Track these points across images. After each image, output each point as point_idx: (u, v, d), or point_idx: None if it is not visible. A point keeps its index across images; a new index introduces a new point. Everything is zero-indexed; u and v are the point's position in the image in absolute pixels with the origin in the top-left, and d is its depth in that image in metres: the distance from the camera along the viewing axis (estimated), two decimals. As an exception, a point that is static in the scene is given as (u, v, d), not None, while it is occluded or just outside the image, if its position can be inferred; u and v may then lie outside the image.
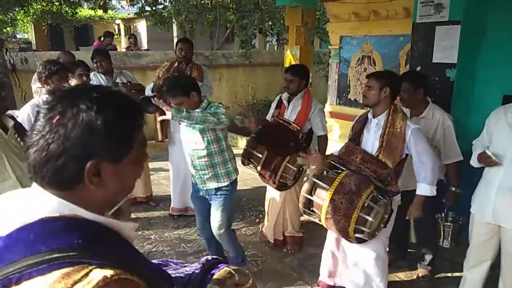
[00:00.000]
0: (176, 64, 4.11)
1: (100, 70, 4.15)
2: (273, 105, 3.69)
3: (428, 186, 2.54)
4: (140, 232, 4.01)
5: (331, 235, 2.86)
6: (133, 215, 4.37)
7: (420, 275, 3.25)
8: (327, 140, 3.59)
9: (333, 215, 2.37)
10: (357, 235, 2.42)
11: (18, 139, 2.17)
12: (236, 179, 2.95)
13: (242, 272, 1.16)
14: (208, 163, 2.81)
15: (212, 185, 2.87)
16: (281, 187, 3.44)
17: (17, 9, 13.18)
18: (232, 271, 1.12)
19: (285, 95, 3.56)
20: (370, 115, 2.67)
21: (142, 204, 4.63)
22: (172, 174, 4.35)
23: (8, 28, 15.80)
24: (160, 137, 4.24)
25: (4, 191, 1.99)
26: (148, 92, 4.06)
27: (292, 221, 3.69)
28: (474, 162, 2.60)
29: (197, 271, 1.11)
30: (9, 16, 13.86)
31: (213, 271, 1.11)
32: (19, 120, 2.75)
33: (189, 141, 2.84)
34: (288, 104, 3.49)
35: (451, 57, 3.48)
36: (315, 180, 2.51)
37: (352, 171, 2.49)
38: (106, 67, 4.18)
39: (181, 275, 1.10)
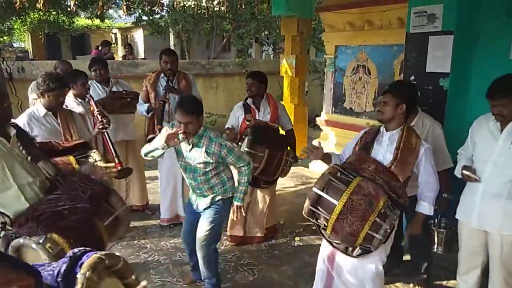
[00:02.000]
0: (162, 75, 4.07)
1: (98, 78, 4.17)
2: (236, 113, 3.89)
3: (429, 206, 2.57)
4: (136, 241, 3.99)
5: (325, 249, 2.76)
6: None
7: (416, 286, 3.26)
8: (294, 133, 4.03)
9: (348, 215, 2.28)
10: (363, 243, 2.36)
11: (21, 147, 2.16)
12: (230, 197, 2.97)
13: (112, 255, 1.23)
14: (205, 183, 2.88)
15: (206, 200, 2.92)
16: (274, 181, 3.81)
17: (14, 18, 13.23)
18: (102, 257, 1.16)
19: (250, 101, 3.84)
20: (382, 129, 2.68)
21: (138, 213, 4.62)
22: (161, 184, 4.34)
23: (5, 37, 15.82)
24: None
25: (7, 200, 2.00)
26: (142, 111, 4.06)
27: (270, 216, 4.03)
28: (458, 173, 2.65)
29: (65, 264, 1.13)
30: (6, 25, 13.89)
31: (81, 261, 1.14)
32: None
33: (191, 157, 2.84)
34: (257, 108, 3.80)
35: (444, 66, 3.52)
36: (331, 178, 2.42)
37: (366, 178, 2.45)
38: (104, 76, 4.21)
39: (50, 272, 1.12)
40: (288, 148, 3.74)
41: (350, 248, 2.51)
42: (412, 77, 3.75)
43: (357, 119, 5.73)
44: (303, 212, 2.53)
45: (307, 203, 2.45)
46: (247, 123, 3.65)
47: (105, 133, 3.45)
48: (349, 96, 5.89)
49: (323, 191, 2.40)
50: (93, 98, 3.59)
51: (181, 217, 4.33)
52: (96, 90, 4.09)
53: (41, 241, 1.84)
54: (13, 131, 2.15)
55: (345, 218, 2.30)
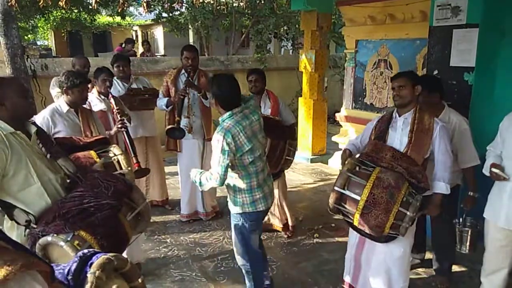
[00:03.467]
0: (182, 72, 4.12)
1: (120, 75, 4.21)
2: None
3: (445, 185, 2.58)
4: (156, 236, 4.04)
5: (353, 237, 2.83)
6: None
7: (439, 285, 3.19)
8: (295, 127, 4.09)
9: (372, 209, 2.33)
10: (391, 231, 2.40)
11: (40, 145, 2.17)
12: (246, 213, 2.69)
13: (121, 257, 1.25)
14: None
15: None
16: (279, 172, 3.82)
17: (38, 17, 13.52)
18: (110, 258, 1.20)
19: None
20: (395, 114, 2.70)
21: (158, 208, 4.67)
22: (181, 179, 4.38)
23: (29, 35, 16.22)
24: (172, 146, 4.23)
25: (30, 198, 2.03)
26: (161, 105, 4.08)
27: (288, 208, 4.05)
28: (486, 171, 2.58)
29: (75, 264, 1.17)
30: (30, 24, 14.22)
31: (91, 261, 1.18)
32: (37, 122, 2.82)
33: None
34: (258, 104, 3.84)
35: (469, 60, 3.43)
36: (350, 175, 2.45)
37: (384, 168, 2.48)
38: (127, 72, 4.25)
39: (60, 271, 1.16)
40: (290, 140, 3.76)
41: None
42: (436, 72, 3.67)
43: (378, 114, 5.60)
44: (329, 209, 2.57)
45: (331, 201, 2.51)
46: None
47: (124, 133, 3.45)
48: (370, 91, 5.79)
49: (344, 188, 2.44)
50: (113, 96, 3.63)
51: (200, 213, 4.36)
52: (117, 87, 4.14)
53: (69, 238, 1.86)
54: (33, 129, 2.16)
55: (369, 212, 2.34)
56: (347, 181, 2.44)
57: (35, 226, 1.97)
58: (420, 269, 3.39)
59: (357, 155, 2.73)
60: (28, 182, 2.01)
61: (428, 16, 3.77)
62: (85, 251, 1.23)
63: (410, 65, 5.18)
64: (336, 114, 6.42)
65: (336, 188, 2.46)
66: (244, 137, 2.50)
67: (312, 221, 4.33)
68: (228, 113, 2.54)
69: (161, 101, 4.12)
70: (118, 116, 3.45)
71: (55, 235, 1.88)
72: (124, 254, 3.16)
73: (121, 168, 2.66)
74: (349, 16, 5.89)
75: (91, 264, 1.16)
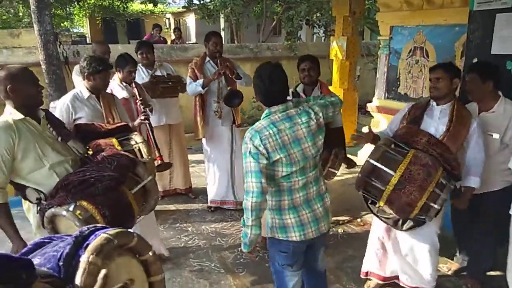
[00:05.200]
0: (207, 59, 4.07)
1: (144, 62, 4.18)
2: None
3: (479, 180, 2.59)
4: (178, 224, 4.02)
5: (379, 227, 2.79)
6: (172, 207, 4.41)
7: (452, 268, 3.13)
8: (343, 132, 3.56)
9: (406, 185, 2.29)
10: (419, 214, 2.34)
11: (51, 129, 2.25)
12: (276, 240, 2.16)
13: (124, 233, 1.12)
14: None
15: None
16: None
17: (73, 4, 13.80)
18: (110, 237, 1.06)
19: (300, 88, 3.49)
20: (432, 102, 2.69)
21: (181, 196, 4.66)
22: (209, 167, 4.32)
23: (65, 23, 16.60)
24: (201, 134, 4.15)
25: (40, 178, 2.11)
26: (196, 87, 3.96)
27: None
28: None
29: (68, 246, 1.04)
30: (66, 11, 14.53)
31: (88, 242, 1.05)
32: (57, 108, 2.83)
33: None
34: (306, 96, 3.36)
35: (513, 47, 3.16)
36: (386, 149, 2.42)
37: (420, 150, 2.45)
38: (150, 59, 4.21)
39: (54, 253, 1.04)
40: (337, 149, 3.28)
41: (400, 222, 2.55)
42: (475, 60, 3.40)
43: (412, 105, 5.36)
44: (355, 185, 2.51)
45: (360, 173, 2.44)
46: None
47: (147, 125, 3.38)
48: (404, 81, 5.51)
49: (377, 162, 2.39)
50: (136, 84, 3.57)
51: (229, 202, 4.32)
52: (141, 74, 4.11)
53: (71, 208, 1.92)
54: (41, 114, 2.24)
55: (402, 188, 2.31)
56: (382, 155, 2.40)
57: (45, 202, 2.06)
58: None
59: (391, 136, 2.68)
60: (38, 164, 2.13)
61: (468, 1, 3.49)
62: (84, 228, 1.12)
63: (448, 53, 4.87)
64: (368, 104, 6.18)
65: (370, 160, 2.39)
66: (277, 142, 1.97)
67: (337, 215, 4.17)
68: (266, 111, 2.08)
69: (195, 84, 3.96)
70: (142, 107, 3.37)
71: (58, 206, 1.94)
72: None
73: (142, 157, 2.63)
74: (384, 0, 5.60)
75: (87, 245, 1.04)
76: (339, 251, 3.54)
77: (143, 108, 3.37)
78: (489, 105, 2.76)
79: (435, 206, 2.29)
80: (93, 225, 1.17)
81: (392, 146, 2.49)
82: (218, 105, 4.00)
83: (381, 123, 5.90)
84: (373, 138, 2.71)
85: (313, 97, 2.33)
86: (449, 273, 3.16)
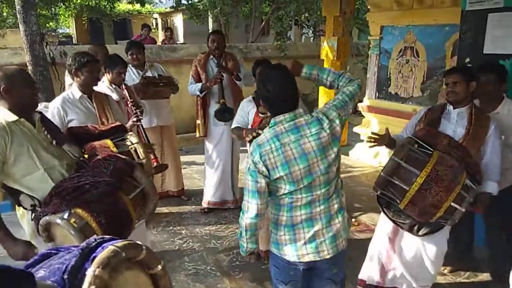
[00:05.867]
0: (211, 57, 4.06)
1: (135, 63, 4.12)
2: (245, 108, 3.34)
3: (496, 185, 2.53)
4: (171, 227, 3.96)
5: (384, 230, 2.72)
6: (165, 209, 4.35)
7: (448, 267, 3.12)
8: None
9: (433, 186, 2.21)
10: (442, 217, 2.28)
11: (45, 132, 2.19)
12: (272, 253, 2.03)
13: (133, 245, 1.07)
14: None
15: None
16: None
17: (59, 4, 13.57)
18: (117, 249, 1.01)
19: None
20: (449, 106, 2.65)
21: (174, 198, 4.60)
22: (208, 167, 4.28)
23: (51, 23, 16.34)
24: (202, 132, 4.14)
25: (34, 183, 2.04)
26: (195, 90, 3.99)
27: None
28: None
29: (74, 259, 0.99)
30: (51, 11, 14.30)
31: (94, 254, 1.00)
32: (49, 112, 2.75)
33: None
34: None
35: (505, 47, 3.19)
36: (411, 148, 2.35)
37: (443, 152, 2.39)
38: (141, 60, 4.15)
39: (59, 265, 0.99)
40: None
41: (416, 227, 2.47)
42: (467, 60, 3.43)
43: (403, 105, 5.39)
44: (375, 184, 2.40)
45: (383, 172, 2.33)
46: (262, 115, 3.13)
47: (140, 127, 3.33)
48: (395, 80, 5.54)
49: (402, 160, 2.30)
50: (126, 86, 3.50)
51: (228, 202, 4.29)
52: (131, 75, 4.04)
53: (65, 216, 1.85)
54: (37, 116, 2.18)
55: (429, 188, 2.23)
56: (406, 154, 2.32)
57: (39, 209, 1.99)
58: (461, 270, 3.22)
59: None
60: (32, 168, 2.06)
61: (459, 1, 3.52)
62: (91, 239, 1.08)
63: (438, 52, 4.92)
64: (359, 104, 6.19)
65: (395, 158, 2.29)
66: (278, 158, 1.76)
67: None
68: (271, 121, 1.86)
69: (194, 86, 4.02)
70: (133, 109, 3.31)
71: (53, 214, 1.87)
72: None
73: (138, 158, 2.57)
74: (374, 0, 5.63)
75: (94, 258, 1.00)
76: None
77: (135, 109, 3.31)
78: (493, 106, 2.75)
79: (461, 208, 2.22)
80: (100, 236, 1.11)
81: (416, 146, 2.40)
82: (219, 105, 3.97)
83: (371, 123, 5.93)
84: (389, 140, 2.65)
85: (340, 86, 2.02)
86: (445, 271, 3.16)
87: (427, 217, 2.32)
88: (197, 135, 4.24)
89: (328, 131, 1.81)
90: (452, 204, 2.22)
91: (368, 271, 2.83)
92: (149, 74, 4.15)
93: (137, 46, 4.19)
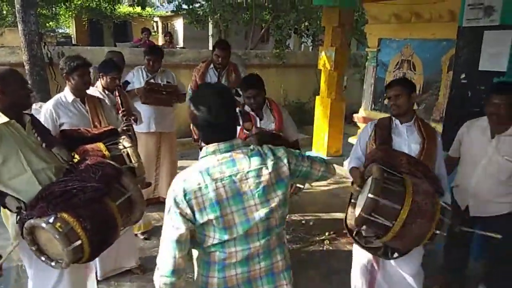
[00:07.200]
0: (211, 66, 4.06)
1: (149, 68, 4.06)
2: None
3: (449, 195, 2.52)
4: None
5: (363, 260, 2.66)
6: (156, 215, 4.32)
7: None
8: (299, 145, 3.36)
9: (416, 219, 2.11)
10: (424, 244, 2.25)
11: (36, 134, 2.17)
12: None
13: None
14: None
15: None
16: None
17: (59, 4, 13.58)
18: None
19: (247, 108, 3.22)
20: (395, 121, 2.58)
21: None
22: None
23: (51, 23, 16.34)
24: (197, 137, 4.14)
25: (21, 185, 2.02)
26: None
27: None
28: None
29: None
30: (52, 11, 14.30)
31: None
32: (41, 113, 2.74)
33: None
34: (258, 116, 3.20)
35: (500, 64, 3.21)
36: (383, 180, 2.18)
37: (408, 174, 2.29)
38: (156, 67, 4.08)
39: None
40: None
41: (390, 252, 2.41)
42: (463, 75, 3.45)
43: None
44: (354, 223, 2.27)
45: (363, 212, 2.15)
46: (246, 132, 3.02)
47: (130, 136, 3.31)
48: (391, 93, 5.56)
49: (379, 197, 2.15)
50: (120, 93, 3.42)
51: None
52: (139, 77, 4.03)
53: (51, 220, 1.83)
54: (27, 119, 2.17)
55: (413, 222, 2.11)
56: (382, 190, 2.16)
57: (25, 212, 1.97)
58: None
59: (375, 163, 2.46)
60: (19, 170, 2.04)
61: (457, 16, 3.54)
62: None
63: (434, 66, 4.94)
64: (354, 115, 6.21)
65: (372, 196, 2.12)
66: (207, 197, 1.42)
67: (323, 227, 4.15)
68: (203, 151, 1.53)
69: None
70: (123, 118, 3.26)
71: (38, 218, 1.86)
72: (118, 258, 3.11)
73: (130, 161, 2.57)
74: (373, 13, 5.66)
75: None
76: (325, 262, 3.51)
77: (125, 119, 3.28)
78: (505, 127, 2.64)
79: (442, 232, 2.16)
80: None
81: (385, 175, 2.25)
82: None
83: (367, 134, 5.93)
84: (362, 176, 2.47)
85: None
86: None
87: (412, 247, 2.27)
88: (193, 140, 4.23)
89: (270, 169, 1.49)
90: (434, 231, 2.13)
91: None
92: (158, 79, 4.10)
93: (155, 54, 4.06)
